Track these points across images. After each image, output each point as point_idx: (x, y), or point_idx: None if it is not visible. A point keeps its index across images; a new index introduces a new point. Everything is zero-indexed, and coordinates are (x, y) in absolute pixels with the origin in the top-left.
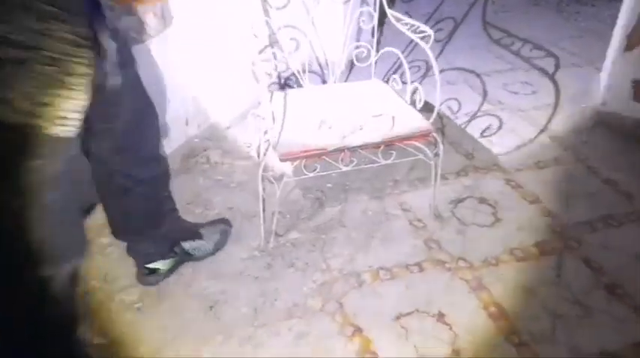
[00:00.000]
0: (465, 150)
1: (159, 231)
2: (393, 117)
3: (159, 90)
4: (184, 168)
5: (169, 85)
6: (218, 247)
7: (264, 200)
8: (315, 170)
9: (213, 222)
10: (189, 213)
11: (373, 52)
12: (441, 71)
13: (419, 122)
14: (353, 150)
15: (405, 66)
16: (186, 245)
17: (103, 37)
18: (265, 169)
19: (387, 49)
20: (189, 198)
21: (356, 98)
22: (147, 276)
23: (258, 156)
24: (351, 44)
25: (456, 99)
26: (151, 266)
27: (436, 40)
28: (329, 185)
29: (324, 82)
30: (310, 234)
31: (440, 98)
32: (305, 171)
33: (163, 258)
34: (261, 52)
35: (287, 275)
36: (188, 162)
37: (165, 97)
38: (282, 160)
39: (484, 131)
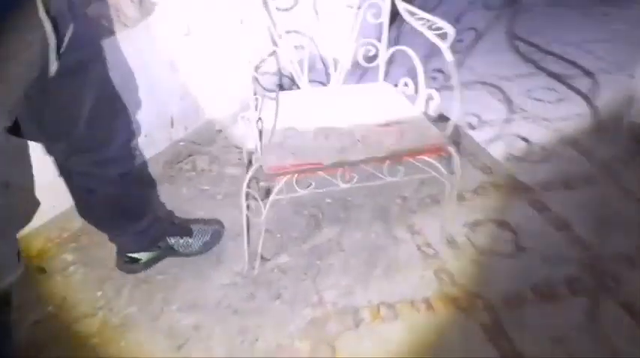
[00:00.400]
0: (483, 163)
1: (137, 226)
2: (402, 128)
3: (139, 88)
4: (167, 175)
5: (151, 82)
6: (206, 248)
7: (248, 218)
8: (309, 186)
9: (207, 221)
10: None
11: (382, 49)
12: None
13: (432, 134)
14: (353, 165)
15: (419, 68)
16: (172, 241)
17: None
18: (254, 181)
19: (397, 47)
20: (169, 208)
21: (360, 103)
22: (126, 264)
23: (249, 165)
24: (358, 41)
25: (475, 114)
26: (131, 255)
27: (456, 51)
28: (328, 200)
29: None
30: (303, 258)
31: (458, 108)
32: (297, 188)
33: (145, 250)
34: (260, 63)
35: (272, 308)
36: (172, 169)
37: (147, 96)
38: (268, 176)
39: (508, 155)
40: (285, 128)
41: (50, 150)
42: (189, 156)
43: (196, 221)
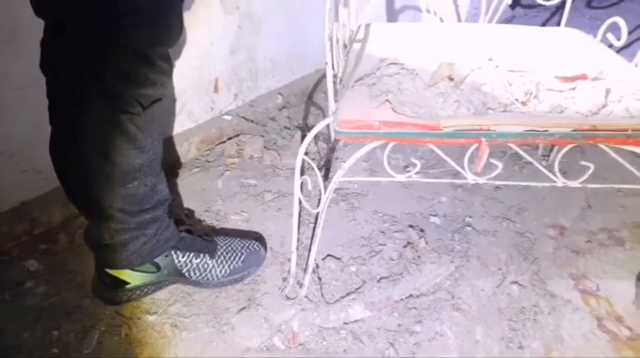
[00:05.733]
0: None
1: (130, 218)
2: (608, 89)
3: None
4: (200, 160)
5: (191, 21)
6: (233, 278)
7: (300, 213)
8: (406, 168)
9: (241, 235)
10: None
11: None
12: None
13: None
14: (502, 139)
15: None
16: (181, 258)
17: None
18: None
19: None
20: (193, 207)
21: (529, 44)
22: (105, 288)
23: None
24: None
25: None
26: (112, 273)
27: None
28: (434, 219)
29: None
30: (390, 316)
31: None
32: (388, 168)
33: (134, 267)
34: None
35: None
36: (209, 151)
37: (181, 40)
38: (339, 136)
39: None
40: (383, 59)
41: None
42: (236, 136)
43: (225, 233)
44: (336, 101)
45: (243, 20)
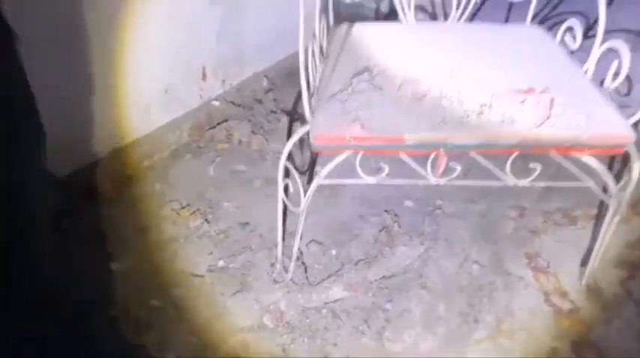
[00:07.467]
0: None
1: None
2: (552, 100)
3: (158, 20)
4: (192, 146)
5: (176, 13)
6: None
7: (285, 212)
8: (378, 171)
9: None
10: (179, 225)
11: None
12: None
13: (605, 118)
14: (458, 150)
15: (601, 5)
16: None
17: None
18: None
19: None
20: (185, 196)
21: (488, 52)
22: None
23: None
24: None
25: None
26: None
27: None
28: (408, 203)
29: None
30: (365, 295)
31: None
32: (360, 172)
33: None
34: None
35: None
36: (200, 137)
37: (170, 32)
38: (315, 149)
39: None
40: (355, 72)
41: None
42: (224, 121)
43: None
44: (312, 112)
45: (226, 8)
